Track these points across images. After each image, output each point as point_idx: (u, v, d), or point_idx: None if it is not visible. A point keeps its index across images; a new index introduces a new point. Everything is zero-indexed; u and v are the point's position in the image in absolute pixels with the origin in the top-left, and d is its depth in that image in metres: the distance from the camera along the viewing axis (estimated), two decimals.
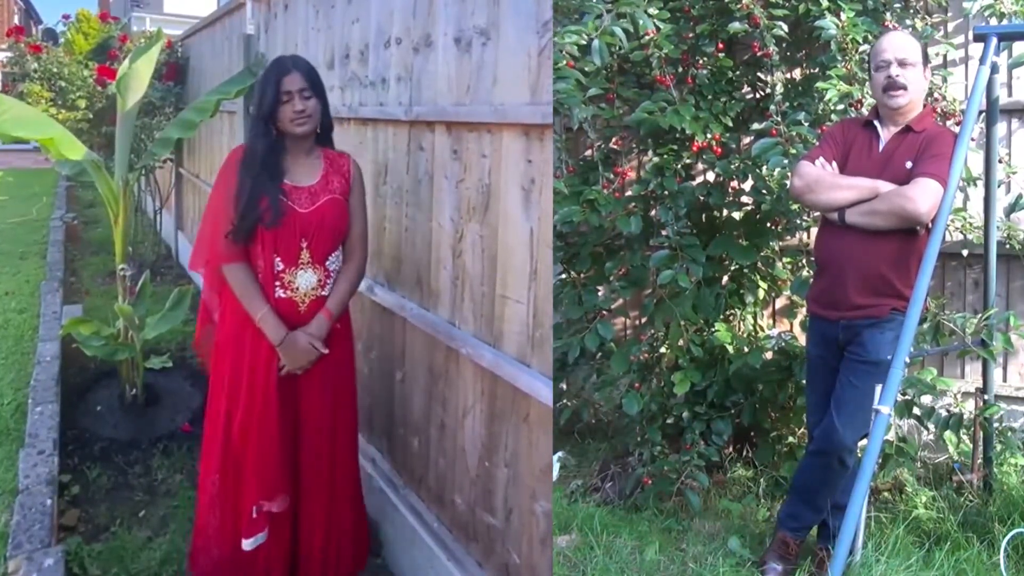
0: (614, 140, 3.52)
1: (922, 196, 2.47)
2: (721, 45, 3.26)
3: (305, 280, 2.44)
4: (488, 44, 2.26)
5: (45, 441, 3.34)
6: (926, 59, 2.67)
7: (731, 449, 3.47)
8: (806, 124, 3.01)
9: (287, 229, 2.40)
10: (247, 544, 2.44)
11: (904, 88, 2.58)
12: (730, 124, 3.23)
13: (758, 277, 3.53)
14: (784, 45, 3.31)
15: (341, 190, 2.50)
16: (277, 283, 2.42)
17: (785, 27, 3.07)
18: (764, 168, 3.11)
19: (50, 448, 3.29)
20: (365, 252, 2.60)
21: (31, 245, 7.81)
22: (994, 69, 2.84)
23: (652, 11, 2.99)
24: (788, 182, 2.86)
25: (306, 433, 2.51)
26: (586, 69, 2.95)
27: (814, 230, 3.18)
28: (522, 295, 2.17)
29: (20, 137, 3.49)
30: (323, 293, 2.47)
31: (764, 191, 3.21)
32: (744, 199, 3.40)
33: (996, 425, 3.02)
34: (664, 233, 3.16)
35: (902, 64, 2.59)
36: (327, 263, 2.47)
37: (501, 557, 2.33)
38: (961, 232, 3.37)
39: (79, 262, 7.40)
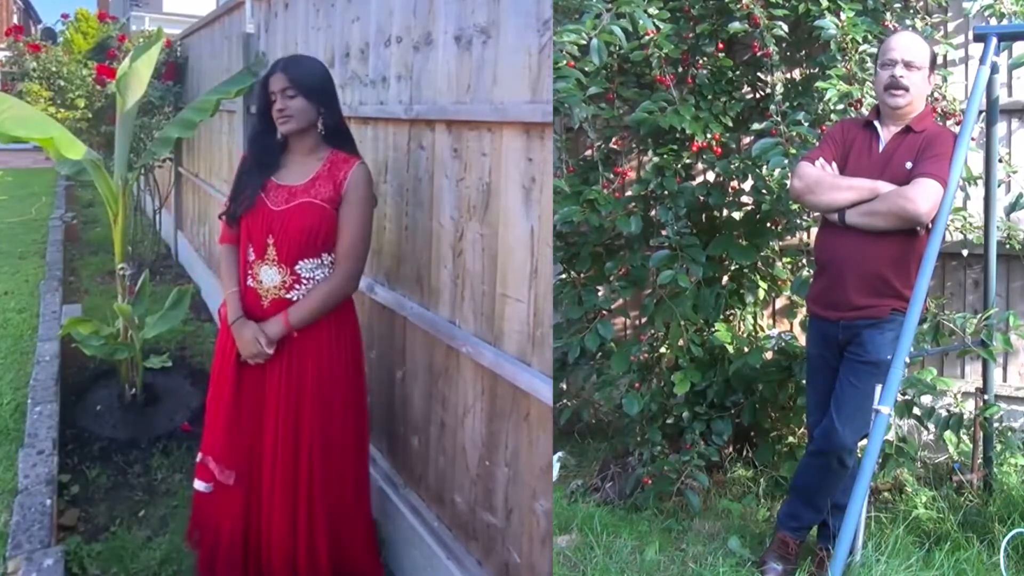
0: (614, 140, 3.52)
1: (922, 196, 2.47)
2: (721, 45, 3.26)
3: (268, 277, 2.47)
4: (488, 42, 2.26)
5: (44, 441, 3.34)
6: (933, 63, 2.67)
7: (731, 449, 3.47)
8: (806, 124, 3.01)
9: (256, 223, 2.48)
10: (196, 484, 2.59)
11: (906, 89, 2.58)
12: (730, 124, 3.23)
13: (758, 277, 3.53)
14: (784, 45, 3.31)
15: (326, 196, 2.46)
16: (249, 272, 2.52)
17: (785, 27, 3.07)
18: (764, 168, 3.11)
19: (49, 448, 3.28)
20: (354, 265, 2.52)
21: (30, 244, 7.81)
22: (994, 69, 2.84)
23: (652, 11, 2.99)
24: (788, 182, 2.87)
25: (265, 429, 2.53)
26: (586, 69, 2.95)
27: (814, 230, 3.18)
28: (522, 294, 2.17)
29: (20, 137, 3.49)
30: (288, 296, 2.47)
31: (764, 191, 3.21)
32: (744, 199, 3.40)
33: (996, 425, 3.03)
34: (664, 233, 3.17)
35: (908, 66, 2.58)
36: (297, 267, 2.45)
37: (501, 556, 2.33)
38: (961, 232, 3.38)
39: (78, 261, 7.39)
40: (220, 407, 2.56)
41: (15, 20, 26.78)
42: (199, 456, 2.60)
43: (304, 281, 2.47)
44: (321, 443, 2.53)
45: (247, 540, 2.56)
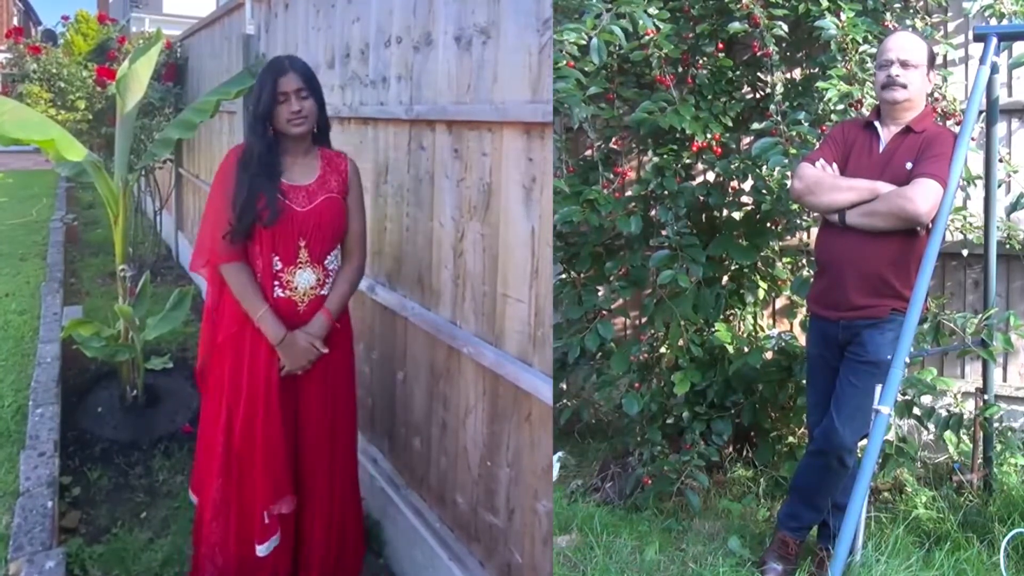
0: (614, 140, 3.52)
1: (922, 197, 2.47)
2: (721, 45, 3.26)
3: (304, 279, 2.44)
4: (488, 42, 2.27)
5: (46, 443, 3.34)
6: (932, 62, 2.67)
7: (731, 449, 3.47)
8: (806, 124, 3.01)
9: (285, 228, 2.39)
10: (261, 550, 2.42)
11: (904, 86, 2.59)
12: (730, 124, 3.23)
13: (758, 277, 3.53)
14: (784, 45, 3.31)
15: (338, 189, 2.50)
16: (276, 283, 2.42)
17: (785, 27, 3.07)
18: (764, 168, 3.11)
19: (51, 450, 3.28)
20: (364, 251, 2.60)
21: (31, 246, 7.81)
22: (994, 69, 2.84)
23: (652, 11, 2.99)
24: (788, 183, 2.87)
25: (306, 434, 2.50)
26: (586, 69, 2.95)
27: (814, 230, 3.19)
28: (523, 294, 2.17)
29: (20, 139, 3.49)
30: (322, 292, 2.47)
31: (764, 191, 3.21)
32: (744, 199, 3.40)
33: (996, 425, 3.03)
34: (664, 233, 3.17)
35: (904, 64, 2.59)
36: (325, 262, 2.47)
37: (503, 557, 2.33)
38: (961, 232, 3.38)
39: (79, 263, 7.40)
40: (278, 441, 2.41)
41: (15, 22, 26.77)
42: (265, 516, 2.41)
43: (330, 274, 2.49)
44: (347, 440, 2.60)
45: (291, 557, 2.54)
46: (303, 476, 2.51)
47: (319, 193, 2.46)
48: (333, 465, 2.56)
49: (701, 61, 3.31)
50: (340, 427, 2.58)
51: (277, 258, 2.41)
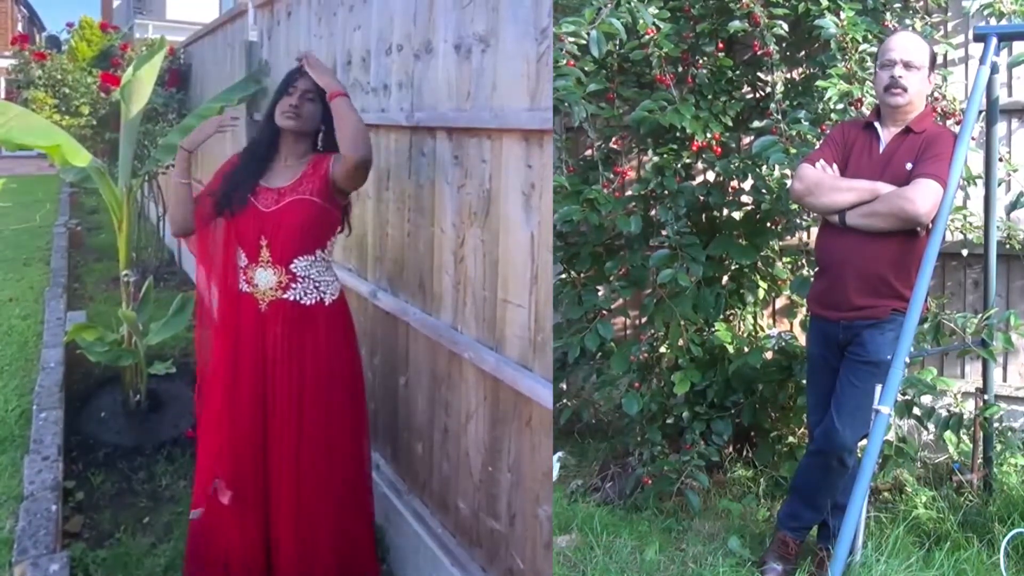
0: (614, 140, 3.53)
1: (922, 197, 2.48)
2: (721, 44, 3.27)
3: (264, 278, 2.45)
4: (487, 51, 2.28)
5: (49, 447, 3.36)
6: (933, 63, 2.68)
7: (731, 449, 3.47)
8: (806, 123, 3.02)
9: (247, 225, 2.46)
10: (193, 515, 2.54)
11: (905, 89, 2.59)
12: (730, 124, 3.23)
13: (758, 277, 3.54)
14: (784, 44, 3.31)
15: (315, 190, 2.45)
16: (242, 277, 2.50)
17: (785, 26, 3.07)
18: (764, 168, 3.12)
19: (54, 454, 3.30)
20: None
21: (35, 251, 7.83)
22: (994, 69, 2.84)
23: (652, 10, 3.00)
24: (788, 183, 2.87)
25: (270, 437, 2.51)
26: (586, 69, 2.96)
27: (814, 230, 3.19)
28: (523, 299, 2.18)
29: (25, 144, 3.52)
30: (285, 296, 2.45)
31: (764, 191, 3.22)
32: (744, 199, 3.41)
33: (996, 425, 3.03)
34: (664, 233, 3.18)
35: (907, 66, 2.59)
36: (292, 266, 2.44)
37: (505, 562, 2.34)
38: (961, 232, 3.38)
39: (83, 268, 7.41)
40: (224, 421, 2.50)
41: (20, 28, 26.80)
42: (215, 484, 2.48)
43: (300, 279, 2.45)
44: (324, 445, 2.54)
45: (258, 558, 2.54)
46: (269, 479, 2.51)
47: (288, 195, 2.46)
48: (301, 471, 2.50)
49: (701, 60, 3.31)
50: (336, 434, 2.54)
51: (242, 253, 2.49)
